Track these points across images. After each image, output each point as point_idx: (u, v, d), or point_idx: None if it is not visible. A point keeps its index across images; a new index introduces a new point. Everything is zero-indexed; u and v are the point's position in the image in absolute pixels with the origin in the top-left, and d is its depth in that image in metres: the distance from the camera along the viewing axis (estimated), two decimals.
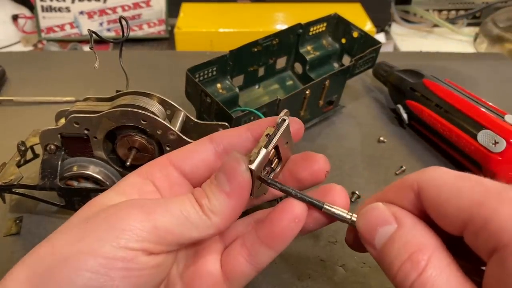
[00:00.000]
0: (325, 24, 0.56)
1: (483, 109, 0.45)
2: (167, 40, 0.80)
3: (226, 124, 0.38)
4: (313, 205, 0.25)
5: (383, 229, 0.22)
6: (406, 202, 0.23)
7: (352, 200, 0.43)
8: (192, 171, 0.27)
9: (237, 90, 0.50)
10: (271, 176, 0.27)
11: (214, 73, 0.48)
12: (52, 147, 0.37)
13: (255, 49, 0.51)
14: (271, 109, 0.44)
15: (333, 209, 0.25)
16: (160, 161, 0.27)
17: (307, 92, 0.46)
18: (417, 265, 0.20)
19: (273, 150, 0.25)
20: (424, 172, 0.22)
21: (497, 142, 0.42)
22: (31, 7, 0.80)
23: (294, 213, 0.24)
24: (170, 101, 0.39)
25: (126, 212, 0.22)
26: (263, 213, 0.28)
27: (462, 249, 0.21)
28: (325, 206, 0.25)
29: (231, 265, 0.25)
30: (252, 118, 0.42)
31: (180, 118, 0.38)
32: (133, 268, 0.22)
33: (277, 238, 0.24)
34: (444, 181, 0.21)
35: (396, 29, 0.86)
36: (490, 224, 0.18)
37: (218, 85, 0.49)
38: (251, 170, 0.23)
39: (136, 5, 0.77)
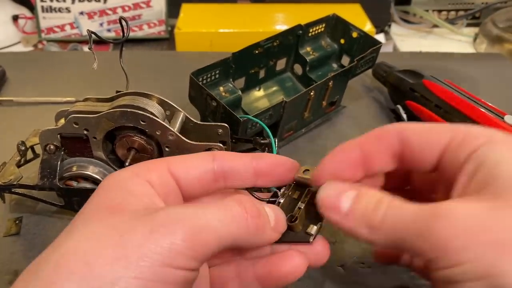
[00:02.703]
0: (323, 25, 0.56)
1: (482, 110, 0.45)
2: (167, 41, 0.80)
3: (226, 125, 0.38)
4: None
5: (346, 194, 0.25)
6: (386, 146, 0.26)
7: None
8: (186, 184, 0.26)
9: (239, 92, 0.50)
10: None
11: (217, 76, 0.48)
12: (52, 147, 0.37)
13: (257, 51, 0.51)
14: (276, 111, 0.44)
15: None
16: (160, 166, 0.26)
17: (311, 93, 0.47)
18: (382, 204, 0.24)
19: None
20: (401, 123, 0.26)
21: None
22: (31, 8, 0.80)
23: (295, 263, 0.26)
24: (170, 102, 0.39)
25: (168, 228, 0.21)
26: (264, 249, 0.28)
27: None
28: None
29: (221, 285, 0.27)
30: (255, 124, 0.42)
31: (180, 119, 0.38)
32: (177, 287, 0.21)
33: (272, 283, 0.26)
34: (424, 124, 0.26)
35: (395, 29, 0.86)
36: (468, 134, 0.24)
37: (221, 88, 0.49)
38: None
39: (136, 6, 0.77)
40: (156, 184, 0.25)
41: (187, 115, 0.39)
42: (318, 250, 0.27)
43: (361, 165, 0.26)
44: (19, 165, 0.40)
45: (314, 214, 0.27)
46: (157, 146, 0.37)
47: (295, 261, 0.26)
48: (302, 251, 0.27)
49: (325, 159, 0.27)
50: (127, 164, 0.37)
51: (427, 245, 0.21)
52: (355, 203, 0.25)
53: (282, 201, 0.29)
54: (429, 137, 0.25)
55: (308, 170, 0.29)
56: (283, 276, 0.26)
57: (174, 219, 0.22)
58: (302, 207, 0.28)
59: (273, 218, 0.26)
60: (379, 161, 0.26)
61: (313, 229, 0.27)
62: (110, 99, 0.38)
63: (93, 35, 0.35)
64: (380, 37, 0.82)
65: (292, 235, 0.27)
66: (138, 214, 0.22)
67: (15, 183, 0.37)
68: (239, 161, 0.27)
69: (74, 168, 0.38)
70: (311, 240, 0.27)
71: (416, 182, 0.30)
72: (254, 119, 0.41)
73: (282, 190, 0.29)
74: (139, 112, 0.35)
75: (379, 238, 0.24)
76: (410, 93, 0.52)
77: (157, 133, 0.36)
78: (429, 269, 0.22)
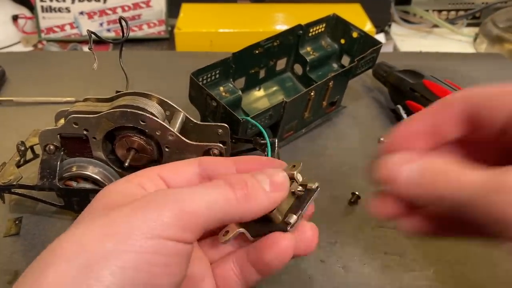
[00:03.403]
0: (324, 25, 0.56)
1: None
2: (167, 41, 0.80)
3: (226, 125, 0.38)
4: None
5: (410, 165, 0.25)
6: (454, 114, 0.26)
7: (352, 200, 0.43)
8: (176, 187, 0.28)
9: (239, 92, 0.50)
10: None
11: (217, 76, 0.48)
12: (51, 147, 0.37)
13: (257, 51, 0.51)
14: (277, 111, 0.44)
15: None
16: (150, 172, 0.28)
17: (311, 93, 0.47)
18: (445, 175, 0.23)
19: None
20: (466, 89, 0.26)
21: None
22: (31, 8, 0.80)
23: (280, 248, 0.26)
24: (170, 102, 0.39)
25: (156, 202, 0.23)
26: None
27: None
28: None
29: (223, 278, 0.27)
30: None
31: (180, 119, 0.38)
32: (171, 260, 0.22)
33: (264, 266, 0.26)
34: (491, 88, 0.25)
35: (396, 29, 0.86)
36: None
37: (221, 88, 0.49)
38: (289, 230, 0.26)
39: (136, 6, 0.77)
40: (148, 186, 0.26)
41: (187, 115, 0.39)
42: (307, 235, 0.27)
43: (432, 134, 0.27)
44: (18, 165, 0.40)
45: (295, 205, 0.27)
46: (157, 146, 0.37)
47: (281, 245, 0.26)
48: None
49: (396, 131, 0.27)
50: (126, 164, 0.37)
51: (492, 219, 0.21)
52: (420, 173, 0.24)
53: None
54: (496, 101, 0.25)
55: (294, 166, 0.29)
56: (269, 263, 0.26)
57: (161, 195, 0.23)
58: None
59: (267, 182, 0.26)
60: (448, 129, 0.27)
61: (292, 218, 0.26)
62: (110, 99, 0.38)
63: (93, 35, 0.35)
64: (380, 37, 0.82)
65: (271, 226, 0.27)
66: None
67: (15, 183, 0.37)
68: (222, 165, 0.29)
69: (74, 168, 0.38)
70: (288, 228, 0.26)
71: (486, 150, 0.29)
72: (252, 120, 0.41)
73: None
74: (139, 112, 0.35)
75: (446, 206, 0.23)
76: (410, 93, 0.52)
77: (157, 133, 0.36)
78: (497, 238, 0.22)
